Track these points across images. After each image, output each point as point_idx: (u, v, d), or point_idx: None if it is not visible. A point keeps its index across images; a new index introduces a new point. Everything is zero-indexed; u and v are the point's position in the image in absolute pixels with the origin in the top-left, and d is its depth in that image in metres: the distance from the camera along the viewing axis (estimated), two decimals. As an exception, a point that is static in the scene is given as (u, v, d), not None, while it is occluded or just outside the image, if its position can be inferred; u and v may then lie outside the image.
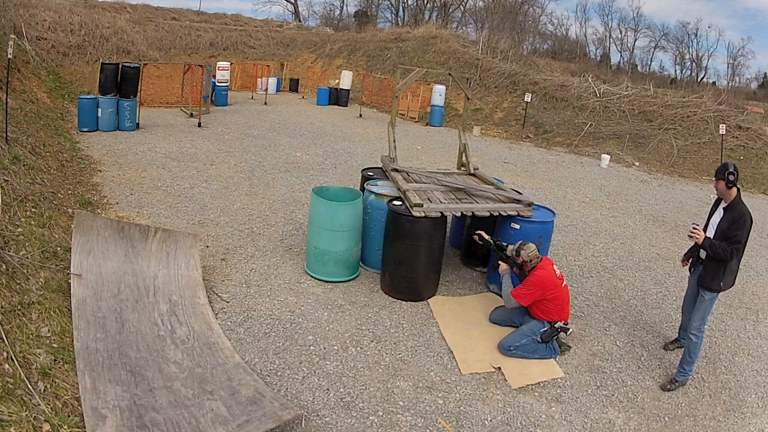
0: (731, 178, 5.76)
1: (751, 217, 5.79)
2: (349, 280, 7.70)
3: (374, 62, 34.96)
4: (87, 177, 10.97)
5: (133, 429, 4.12)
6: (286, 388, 5.24)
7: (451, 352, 6.19)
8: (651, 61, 75.49)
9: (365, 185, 8.39)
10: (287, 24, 51.67)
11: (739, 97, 42.80)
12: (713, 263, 5.95)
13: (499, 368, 5.97)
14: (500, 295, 7.63)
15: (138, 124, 16.83)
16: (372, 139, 19.81)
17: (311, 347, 5.96)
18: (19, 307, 4.91)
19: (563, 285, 6.40)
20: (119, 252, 6.25)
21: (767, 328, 7.97)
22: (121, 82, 16.42)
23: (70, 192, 9.44)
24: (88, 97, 15.89)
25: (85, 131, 15.35)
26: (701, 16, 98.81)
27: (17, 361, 4.22)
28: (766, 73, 70.85)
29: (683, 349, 6.36)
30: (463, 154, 9.77)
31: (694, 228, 5.80)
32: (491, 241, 7.12)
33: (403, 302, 7.19)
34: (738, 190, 5.90)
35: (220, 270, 7.57)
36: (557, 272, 6.39)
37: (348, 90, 30.57)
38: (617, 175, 18.64)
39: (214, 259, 7.91)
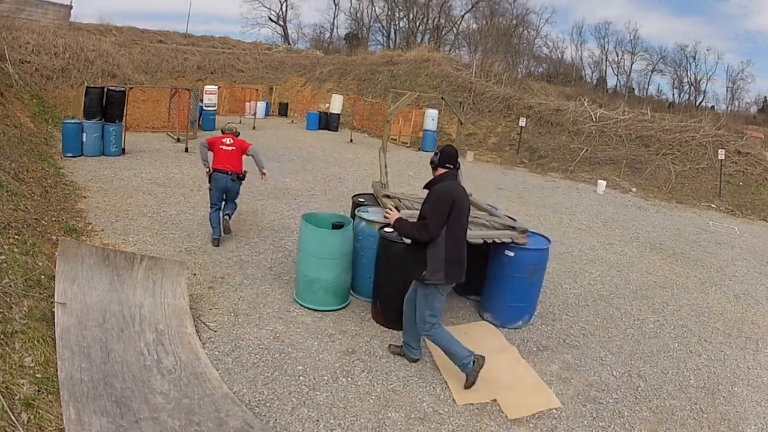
0: (434, 158, 5.95)
1: (449, 195, 5.72)
2: (340, 309, 7.74)
3: (365, 86, 35.17)
4: (71, 203, 11.01)
5: (119, 461, 4.14)
6: (275, 420, 5.26)
7: (445, 382, 6.22)
8: (648, 85, 75.99)
9: (356, 212, 8.45)
10: (276, 47, 52.03)
11: (738, 122, 43.14)
12: (414, 249, 5.94)
13: (495, 399, 6.01)
14: (496, 324, 7.72)
15: (124, 149, 16.88)
16: (363, 164, 19.92)
17: (301, 377, 5.99)
18: (2, 336, 4.94)
19: None
20: (104, 280, 6.29)
21: (767, 357, 8.03)
22: (107, 106, 16.52)
23: (54, 219, 9.47)
24: (73, 121, 15.97)
25: (69, 156, 15.41)
26: (700, 38, 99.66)
27: (0, 391, 4.24)
28: (766, 97, 71.18)
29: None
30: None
31: (388, 210, 6.02)
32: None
33: (395, 331, 7.20)
34: (447, 171, 5.91)
35: (208, 298, 7.61)
36: None
37: (338, 114, 30.68)
38: (614, 201, 18.80)
39: (201, 287, 7.95)
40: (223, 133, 10.08)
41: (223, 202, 9.90)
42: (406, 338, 6.56)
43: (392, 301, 7.22)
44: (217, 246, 9.63)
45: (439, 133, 27.37)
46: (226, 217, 9.85)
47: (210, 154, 9.81)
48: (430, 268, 5.72)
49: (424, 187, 6.01)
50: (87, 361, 5.18)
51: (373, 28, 76.02)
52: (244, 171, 9.97)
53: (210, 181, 9.80)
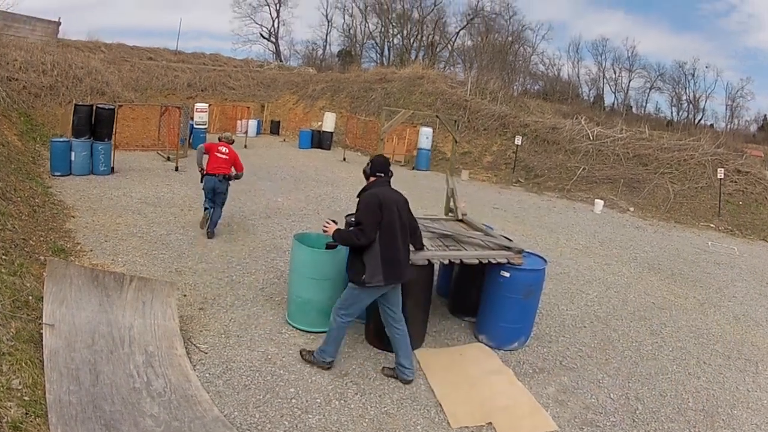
0: (366, 168, 6.62)
1: (375, 197, 6.22)
2: (333, 331, 7.75)
3: (358, 104, 35.32)
4: (60, 223, 11.04)
5: (108, 485, 4.16)
6: (267, 443, 5.28)
7: (439, 404, 6.25)
8: (646, 103, 76.46)
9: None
10: (268, 64, 52.32)
11: (738, 140, 43.34)
12: (351, 256, 6.45)
13: (490, 422, 6.03)
14: (491, 346, 7.76)
15: (113, 168, 16.94)
16: (356, 183, 19.85)
17: (293, 400, 6.01)
18: (-11, 358, 4.96)
19: None
20: (93, 301, 6.31)
21: (767, 380, 8.06)
22: (96, 125, 16.60)
23: (42, 239, 9.50)
24: (61, 140, 16.08)
25: (57, 175, 15.47)
26: (699, 55, 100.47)
27: (-13, 414, 4.26)
28: (766, 115, 71.48)
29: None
30: (451, 199, 9.93)
31: (325, 223, 6.41)
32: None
33: (388, 353, 7.21)
34: (378, 178, 6.51)
35: (198, 320, 7.63)
36: None
37: (331, 132, 30.84)
38: (611, 221, 18.90)
39: (191, 308, 7.97)
40: (219, 140, 11.75)
41: (213, 206, 11.55)
42: (399, 359, 6.66)
43: (386, 322, 7.27)
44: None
45: (433, 152, 27.53)
46: (211, 230, 11.53)
47: (205, 158, 11.47)
48: (369, 272, 6.13)
49: (357, 196, 6.52)
50: (76, 383, 5.20)
51: (367, 44, 76.55)
52: (231, 174, 11.63)
53: (202, 181, 11.50)
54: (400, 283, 6.47)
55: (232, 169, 11.61)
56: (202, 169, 11.42)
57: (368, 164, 6.60)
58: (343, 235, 6.29)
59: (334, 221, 6.44)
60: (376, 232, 6.11)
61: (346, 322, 6.52)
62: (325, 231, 6.39)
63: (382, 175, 6.50)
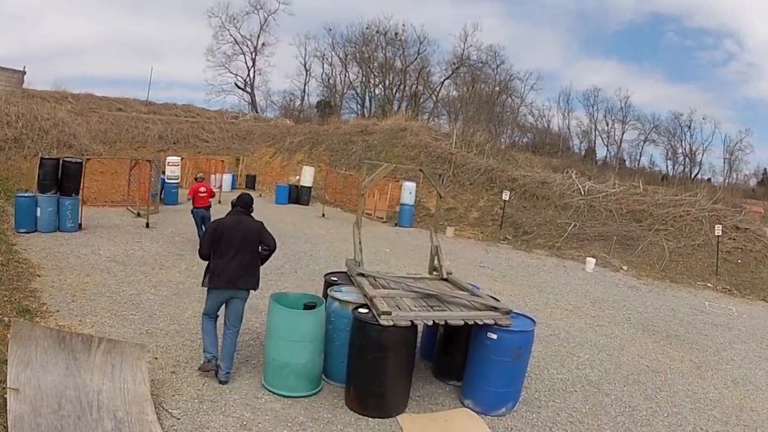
0: (232, 200, 8.51)
1: (217, 223, 8.21)
2: (311, 395, 7.78)
3: (338, 157, 35.60)
4: (24, 282, 11.07)
5: None
6: None
7: (423, 473, 6.28)
8: (640, 156, 77.25)
9: (328, 291, 8.61)
10: (243, 115, 52.78)
11: (736, 195, 43.85)
12: None
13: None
14: (478, 411, 7.81)
15: (80, 224, 17.06)
16: (336, 240, 20.13)
17: (270, 468, 6.03)
18: (-49, 424, 4.98)
19: None
20: (60, 364, 6.34)
21: (766, 446, 8.14)
22: (62, 179, 16.71)
23: (6, 299, 9.53)
24: (26, 195, 16.17)
25: (22, 232, 15.52)
26: (695, 106, 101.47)
27: (-51, 483, 4.29)
28: (765, 169, 72.26)
29: None
30: (436, 258, 10.05)
31: None
32: None
33: (370, 419, 7.27)
34: (233, 210, 8.32)
35: (170, 384, 7.64)
36: None
37: (309, 187, 31.04)
38: (603, 280, 19.08)
39: (163, 371, 7.99)
40: (196, 181, 17.76)
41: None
42: (219, 361, 8.06)
43: (367, 386, 7.34)
44: None
45: (417, 208, 27.73)
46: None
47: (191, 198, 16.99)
48: (205, 277, 8.12)
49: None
50: (41, 451, 5.22)
51: (347, 95, 77.35)
52: (210, 204, 17.21)
53: (192, 212, 16.96)
54: (238, 294, 8.06)
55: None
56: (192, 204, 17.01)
57: (233, 202, 8.46)
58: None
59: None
60: (210, 249, 7.93)
61: (205, 317, 8.14)
62: None
63: (238, 207, 8.28)
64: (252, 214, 8.40)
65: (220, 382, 7.79)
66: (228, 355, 8.00)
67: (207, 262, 8.09)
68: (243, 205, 8.34)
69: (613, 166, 64.90)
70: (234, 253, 7.88)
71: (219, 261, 7.88)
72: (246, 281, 8.04)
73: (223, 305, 8.11)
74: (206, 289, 8.13)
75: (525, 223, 25.92)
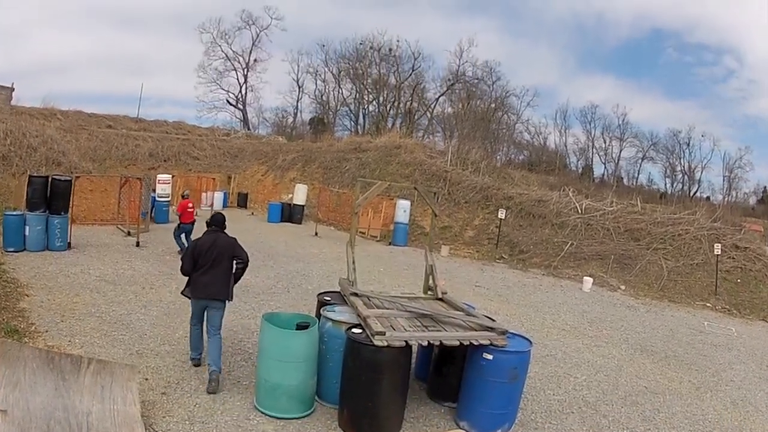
0: (207, 221, 9.42)
1: (195, 244, 9.07)
2: (304, 417, 7.77)
3: (331, 175, 35.62)
4: (13, 302, 11.08)
5: None
6: None
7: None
8: (638, 174, 77.12)
9: (321, 311, 8.63)
10: (235, 132, 52.83)
11: (736, 214, 43.75)
12: None
13: None
14: (472, 433, 7.84)
15: (70, 243, 17.06)
16: (329, 259, 20.14)
17: (262, 492, 6.03)
18: (-62, 446, 4.99)
19: None
20: (49, 385, 6.35)
21: (765, 469, 8.15)
22: (51, 197, 16.70)
23: (-7, 319, 9.52)
24: (14, 213, 16.18)
25: (10, 251, 15.50)
26: (694, 123, 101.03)
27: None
28: (765, 187, 72.16)
29: None
30: (430, 277, 10.08)
31: None
32: None
33: (365, 440, 7.28)
34: (209, 229, 9.13)
35: (161, 405, 7.64)
36: None
37: (302, 206, 31.06)
38: (601, 299, 19.12)
39: (154, 393, 7.98)
40: (183, 198, 19.56)
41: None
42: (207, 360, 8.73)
43: (361, 407, 7.34)
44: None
45: (411, 226, 27.75)
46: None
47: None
48: (186, 287, 9.06)
49: None
50: (29, 473, 5.22)
51: (340, 112, 77.41)
52: (195, 218, 18.83)
53: (180, 227, 18.47)
54: (213, 304, 8.81)
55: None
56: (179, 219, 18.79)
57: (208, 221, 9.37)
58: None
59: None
60: (191, 267, 8.73)
61: (191, 324, 9.15)
62: None
63: (213, 226, 9.09)
64: (226, 231, 9.19)
65: (208, 392, 8.18)
66: (214, 358, 8.54)
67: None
68: (216, 223, 9.21)
69: (611, 184, 64.83)
70: (208, 268, 8.73)
71: (195, 274, 8.78)
72: (219, 291, 8.83)
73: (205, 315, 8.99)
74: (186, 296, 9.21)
75: (521, 242, 25.95)
